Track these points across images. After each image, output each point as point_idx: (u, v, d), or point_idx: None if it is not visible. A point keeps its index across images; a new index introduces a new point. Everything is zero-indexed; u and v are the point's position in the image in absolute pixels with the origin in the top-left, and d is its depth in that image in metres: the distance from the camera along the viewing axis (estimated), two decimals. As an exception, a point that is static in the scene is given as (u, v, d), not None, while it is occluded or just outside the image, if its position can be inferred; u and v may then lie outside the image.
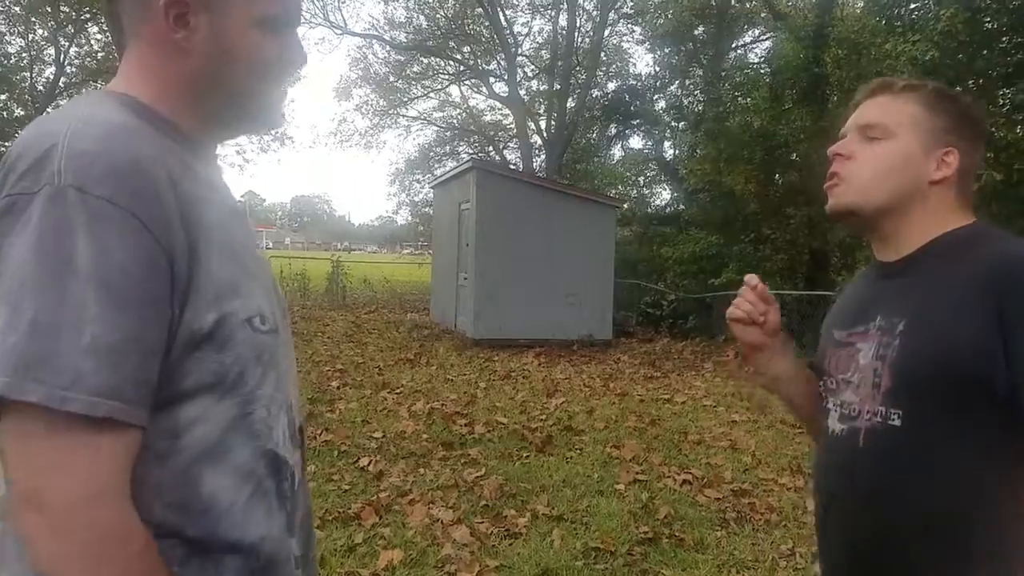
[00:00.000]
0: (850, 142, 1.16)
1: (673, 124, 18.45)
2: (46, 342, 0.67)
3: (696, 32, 18.18)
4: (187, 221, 0.76)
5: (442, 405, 6.18)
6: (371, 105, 24.95)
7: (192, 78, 0.87)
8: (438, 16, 22.34)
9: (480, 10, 20.74)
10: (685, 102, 18.36)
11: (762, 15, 17.80)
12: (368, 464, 4.46)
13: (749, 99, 13.60)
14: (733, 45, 19.49)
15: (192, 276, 0.76)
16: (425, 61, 23.69)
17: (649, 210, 19.53)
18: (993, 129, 7.36)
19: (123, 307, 0.70)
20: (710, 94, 15.68)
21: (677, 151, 19.43)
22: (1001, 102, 8.16)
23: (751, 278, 1.26)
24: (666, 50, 19.14)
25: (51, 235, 0.69)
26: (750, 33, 20.05)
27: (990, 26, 8.32)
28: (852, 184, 1.14)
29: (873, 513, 1.08)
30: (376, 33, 22.73)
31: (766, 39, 18.74)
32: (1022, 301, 0.95)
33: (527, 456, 4.85)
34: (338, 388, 6.82)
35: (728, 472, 4.64)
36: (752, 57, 19.02)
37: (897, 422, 1.05)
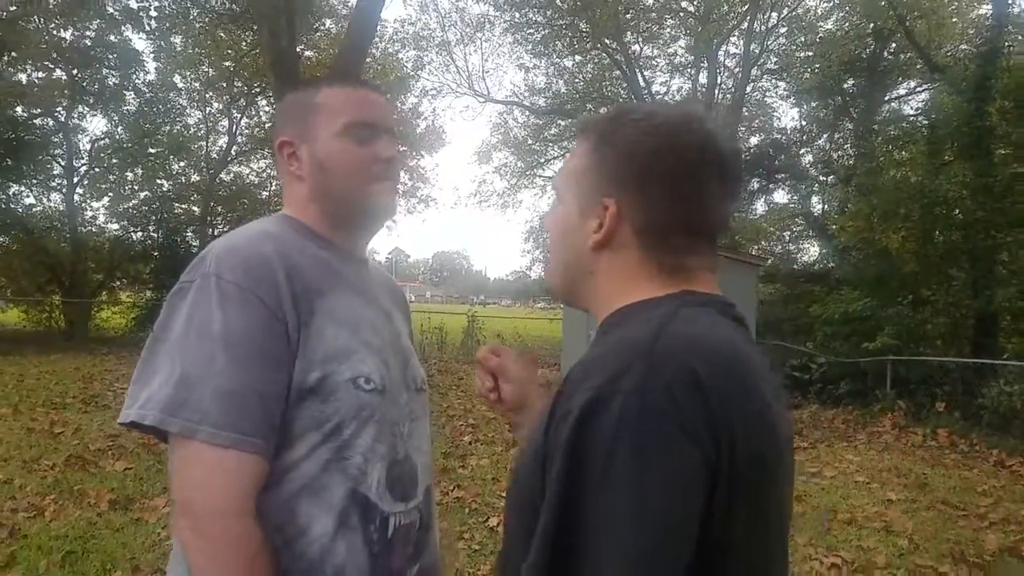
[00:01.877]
0: (550, 209, 0.94)
1: (821, 178, 17.67)
2: (186, 391, 0.91)
3: (845, 85, 17.47)
4: (299, 301, 0.99)
5: (572, 466, 6.09)
6: (509, 167, 25.83)
7: (311, 196, 1.12)
8: (576, 80, 22.92)
9: (618, 72, 21.10)
10: (834, 156, 17.57)
11: (918, 67, 16.84)
12: (497, 524, 4.48)
13: (905, 153, 12.80)
14: (886, 98, 18.53)
15: (301, 342, 0.98)
16: (563, 123, 24.31)
17: (795, 267, 18.62)
18: None
19: (244, 362, 0.93)
20: (861, 148, 14.90)
21: (826, 206, 18.52)
22: None
23: (480, 351, 1.10)
24: (813, 104, 18.51)
25: (196, 309, 0.95)
26: (904, 85, 18.98)
27: None
28: (549, 261, 0.93)
29: None
30: (516, 100, 23.72)
31: (922, 91, 17.69)
32: (559, 408, 0.70)
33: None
34: (470, 443, 6.95)
35: (882, 557, 4.24)
36: (907, 110, 17.98)
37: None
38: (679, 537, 0.64)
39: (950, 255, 11.16)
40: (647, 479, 0.63)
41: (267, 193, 20.75)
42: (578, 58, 22.16)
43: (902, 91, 19.23)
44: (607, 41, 20.10)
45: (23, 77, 16.54)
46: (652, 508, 0.63)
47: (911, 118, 15.25)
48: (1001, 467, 6.94)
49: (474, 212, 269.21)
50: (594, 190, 0.84)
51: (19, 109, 16.44)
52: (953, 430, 8.27)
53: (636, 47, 21.43)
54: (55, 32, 16.89)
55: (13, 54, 15.55)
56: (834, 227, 14.34)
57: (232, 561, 0.90)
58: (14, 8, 14.83)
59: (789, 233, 22.09)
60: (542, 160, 25.92)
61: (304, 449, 0.98)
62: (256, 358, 0.94)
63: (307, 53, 17.66)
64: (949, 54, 16.05)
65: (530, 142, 25.04)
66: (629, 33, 20.53)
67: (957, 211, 10.98)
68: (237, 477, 0.92)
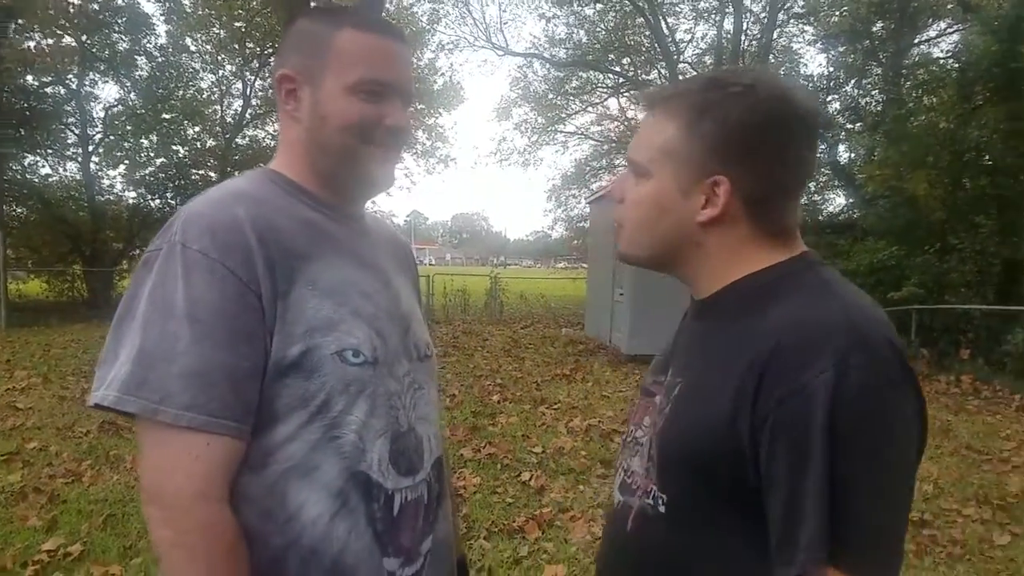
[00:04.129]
0: (622, 181, 0.96)
1: (848, 126, 17.27)
2: (145, 369, 0.85)
3: (874, 29, 16.93)
4: (276, 270, 0.91)
5: (599, 422, 6.23)
6: (530, 123, 25.46)
7: (305, 145, 1.02)
8: (598, 30, 22.38)
9: (641, 20, 20.58)
10: (862, 103, 17.10)
11: (948, 7, 16.26)
12: (530, 479, 4.62)
13: (934, 98, 12.47)
14: (916, 40, 17.92)
15: (278, 314, 0.91)
16: (584, 76, 23.83)
17: (821, 218, 18.36)
18: None
19: (210, 338, 0.86)
20: (890, 94, 14.53)
21: (853, 155, 18.16)
22: None
23: None
24: (840, 49, 17.95)
25: (160, 282, 0.88)
26: (935, 27, 18.31)
27: None
28: (625, 231, 0.95)
29: None
30: (536, 52, 23.26)
31: (953, 32, 17.08)
32: (779, 388, 0.75)
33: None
34: (498, 402, 7.07)
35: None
36: (937, 53, 17.36)
37: (662, 509, 0.87)
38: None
39: (978, 202, 10.97)
40: (904, 447, 0.76)
41: (283, 156, 20.55)
42: (599, 6, 21.54)
43: (932, 33, 18.60)
44: (629, -13, 19.59)
45: (31, 44, 16.20)
46: (910, 470, 0.77)
47: (941, 61, 14.79)
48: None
49: (494, 171, 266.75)
50: (698, 167, 0.86)
51: (30, 78, 16.32)
52: (977, 377, 8.30)
53: (659, -7, 20.88)
54: (63, -3, 16.67)
55: (20, 21, 15.16)
56: (861, 176, 14.05)
57: (203, 552, 0.85)
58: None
59: (814, 184, 21.72)
60: (563, 115, 25.54)
61: (290, 429, 0.92)
62: (224, 333, 0.87)
63: (321, 10, 17.35)
64: (982, -8, 15.44)
65: (551, 96, 24.60)
66: (651, -21, 19.99)
67: (987, 157, 10.74)
68: (206, 461, 0.86)
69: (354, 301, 0.98)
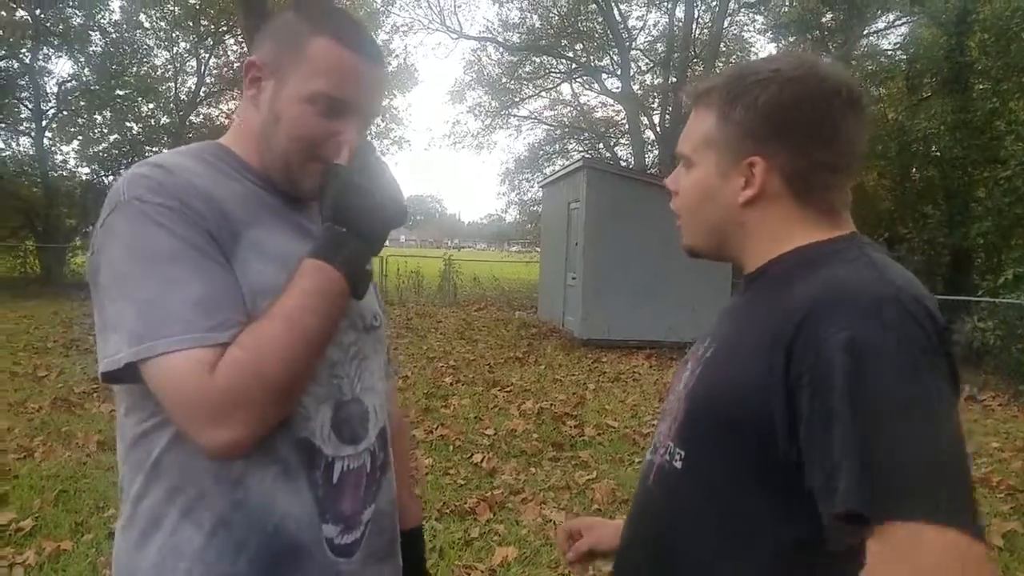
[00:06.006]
0: (676, 174, 1.00)
1: (797, 117, 17.58)
2: (157, 312, 0.84)
3: (823, 19, 17.21)
4: (222, 229, 0.91)
5: (551, 405, 6.17)
6: (484, 107, 25.28)
7: (257, 132, 1.02)
8: (551, 15, 22.35)
9: (594, 6, 20.57)
10: (810, 94, 17.39)
11: (897, -1, 16.61)
12: (481, 460, 4.52)
13: (883, 89, 12.73)
14: (864, 32, 18.29)
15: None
16: (537, 60, 23.78)
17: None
18: None
19: (203, 268, 0.87)
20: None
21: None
22: None
23: (560, 538, 1.21)
24: (790, 39, 18.19)
25: (131, 236, 0.87)
26: (884, 18, 18.68)
27: None
28: (682, 221, 1.00)
29: (649, 567, 0.94)
30: (490, 36, 23.07)
31: (902, 24, 17.43)
32: (813, 342, 0.74)
33: (639, 462, 4.74)
34: (451, 384, 6.96)
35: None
36: (885, 44, 17.78)
37: (679, 464, 0.90)
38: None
39: (926, 192, 11.27)
40: (947, 403, 0.72)
41: (239, 134, 20.32)
42: (553, -9, 21.56)
43: (881, 24, 18.99)
44: (582, -28, 19.55)
45: (-17, 18, 16.03)
46: (949, 415, 0.72)
47: (889, 52, 15.13)
48: (973, 401, 7.15)
49: (448, 154, 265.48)
50: (734, 151, 0.90)
51: (-19, 51, 15.97)
52: (925, 366, 8.47)
53: (612, -21, 20.88)
54: (15, -29, 16.27)
55: (-29, -6, 14.89)
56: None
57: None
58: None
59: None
60: (517, 99, 25.43)
61: None
62: (210, 261, 0.88)
63: (274, -12, 16.98)
64: (929, -14, 15.80)
65: (505, 80, 24.48)
66: (605, -36, 19.96)
67: (934, 148, 11.01)
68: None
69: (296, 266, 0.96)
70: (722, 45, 20.65)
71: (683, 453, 0.89)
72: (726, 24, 20.46)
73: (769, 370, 0.78)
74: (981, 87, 10.56)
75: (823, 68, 0.88)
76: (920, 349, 0.73)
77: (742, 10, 20.82)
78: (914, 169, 11.42)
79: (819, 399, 0.73)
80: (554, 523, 3.57)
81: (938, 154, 10.89)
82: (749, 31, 22.31)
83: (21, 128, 18.34)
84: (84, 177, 19.12)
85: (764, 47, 22.37)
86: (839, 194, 0.90)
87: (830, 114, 0.86)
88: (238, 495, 0.91)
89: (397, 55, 22.85)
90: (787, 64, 0.89)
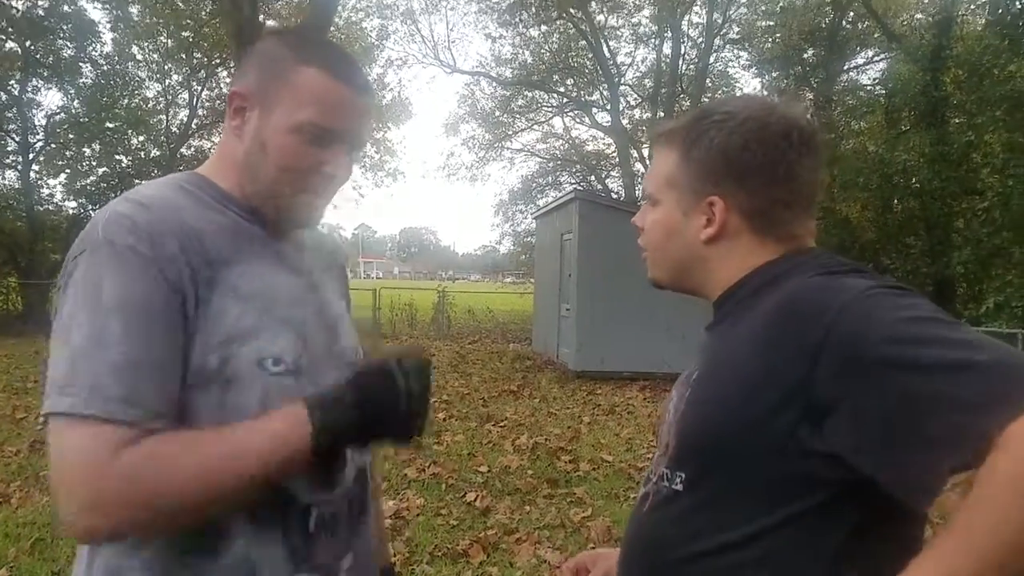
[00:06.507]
0: (642, 211, 1.05)
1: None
2: (79, 366, 0.82)
3: (805, 55, 17.66)
4: (198, 275, 0.89)
5: (546, 440, 6.20)
6: (477, 139, 25.68)
7: (240, 164, 1.00)
8: (543, 51, 22.84)
9: (584, 43, 21.06)
10: (794, 126, 17.73)
11: (875, 36, 17.07)
12: (475, 499, 4.54)
13: (863, 123, 13.05)
14: (844, 67, 18.76)
15: (200, 320, 0.88)
16: (529, 95, 24.21)
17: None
18: None
19: (143, 331, 0.84)
20: (821, 119, 15.13)
21: (787, 177, 18.80)
22: None
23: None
24: (774, 74, 18.67)
25: (89, 280, 0.85)
26: (863, 55, 19.21)
27: None
28: (648, 256, 1.06)
29: None
30: (483, 70, 23.52)
31: (880, 60, 17.93)
32: (811, 332, 0.78)
33: (635, 497, 4.77)
34: (444, 420, 6.97)
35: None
36: (865, 80, 18.25)
37: (679, 486, 0.90)
38: None
39: (908, 223, 11.50)
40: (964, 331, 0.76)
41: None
42: (544, 28, 22.05)
43: (860, 60, 19.51)
44: (572, 11, 20.01)
45: (-28, 49, 15.64)
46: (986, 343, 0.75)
47: (869, 87, 15.52)
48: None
49: (442, 185, 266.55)
50: (694, 191, 0.95)
51: (-31, 83, 15.65)
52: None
53: (601, 17, 21.40)
54: (6, 1, 16.00)
55: (-38, 25, 14.82)
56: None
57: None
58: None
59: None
60: (510, 132, 25.82)
61: None
62: (157, 326, 0.85)
63: (269, 22, 17.20)
64: (905, 23, 16.29)
65: (497, 113, 24.87)
66: (594, 2, 20.47)
67: (914, 180, 11.29)
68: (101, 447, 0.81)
69: (280, 308, 0.96)
70: (708, 81, 21.14)
71: (683, 475, 0.90)
72: (712, 60, 21.05)
73: (765, 371, 0.81)
74: (957, 121, 10.88)
75: (778, 110, 0.92)
76: (905, 291, 0.80)
77: (727, 47, 21.39)
78: (896, 200, 11.69)
79: (848, 370, 0.74)
80: (548, 564, 3.62)
81: (918, 185, 11.16)
82: (734, 67, 22.83)
83: (7, 161, 17.79)
84: (71, 211, 18.45)
85: (749, 82, 22.85)
86: (801, 225, 0.94)
87: (784, 155, 0.90)
88: (208, 546, 0.89)
89: (391, 88, 23.02)
90: (743, 107, 0.94)
